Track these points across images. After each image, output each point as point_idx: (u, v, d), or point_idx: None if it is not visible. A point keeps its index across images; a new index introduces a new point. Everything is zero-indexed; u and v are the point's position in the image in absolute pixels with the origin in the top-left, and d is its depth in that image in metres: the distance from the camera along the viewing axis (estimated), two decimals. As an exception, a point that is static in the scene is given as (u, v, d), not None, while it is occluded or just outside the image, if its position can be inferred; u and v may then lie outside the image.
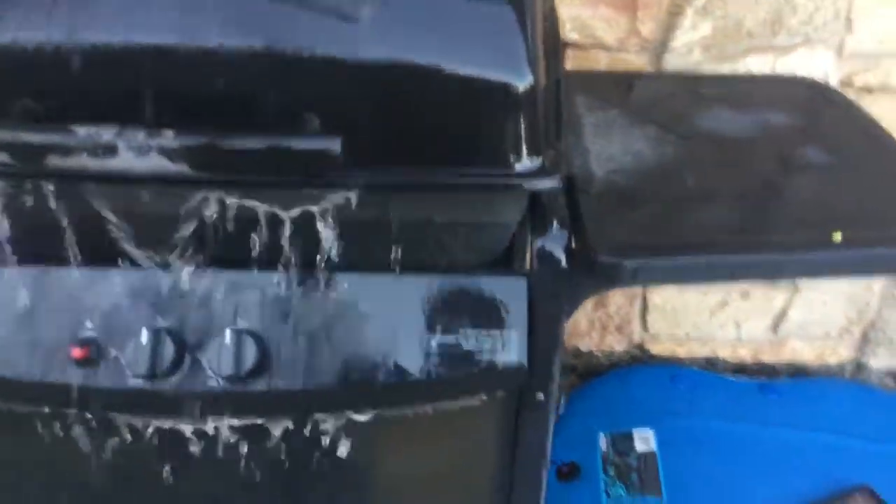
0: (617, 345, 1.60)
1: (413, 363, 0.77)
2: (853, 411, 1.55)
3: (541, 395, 0.82)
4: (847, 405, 1.56)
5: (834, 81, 1.30)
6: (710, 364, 1.64)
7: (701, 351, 1.62)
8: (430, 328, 0.77)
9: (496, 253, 0.80)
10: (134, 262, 0.76)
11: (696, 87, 1.00)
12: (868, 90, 1.31)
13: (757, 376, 1.62)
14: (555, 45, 0.83)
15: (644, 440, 1.48)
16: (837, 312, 1.56)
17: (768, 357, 1.62)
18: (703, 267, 0.76)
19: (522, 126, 0.69)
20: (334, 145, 0.66)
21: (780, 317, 1.56)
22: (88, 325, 0.75)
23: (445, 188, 0.72)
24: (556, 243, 0.78)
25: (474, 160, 0.72)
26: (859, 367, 1.64)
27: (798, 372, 1.63)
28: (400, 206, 0.73)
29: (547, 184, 0.72)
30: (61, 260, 0.75)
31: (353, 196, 0.71)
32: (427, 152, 0.71)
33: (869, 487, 1.40)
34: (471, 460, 0.89)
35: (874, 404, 1.58)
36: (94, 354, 0.74)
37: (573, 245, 0.77)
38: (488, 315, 0.78)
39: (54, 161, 0.67)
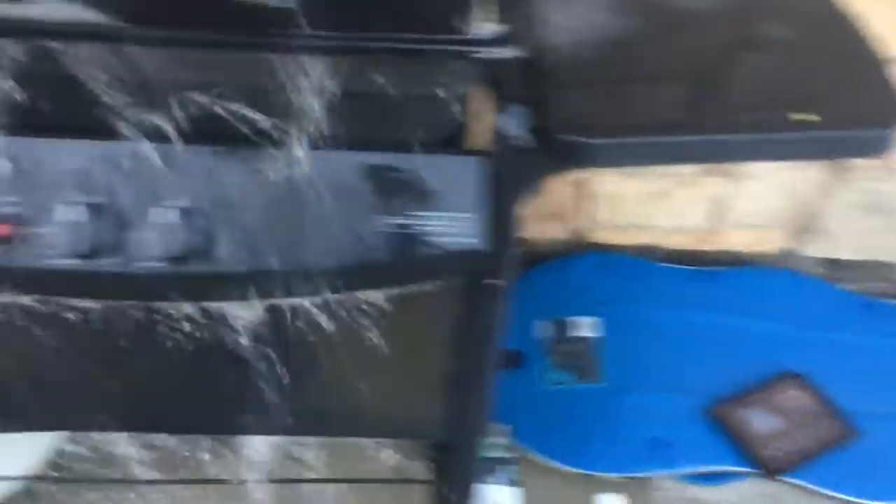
0: (557, 233, 1.58)
1: (362, 246, 0.73)
2: (787, 299, 1.60)
3: (497, 281, 0.80)
4: (781, 293, 1.61)
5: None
6: (648, 252, 1.65)
7: (639, 239, 1.62)
8: (381, 209, 0.74)
9: (453, 130, 0.76)
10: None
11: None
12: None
13: (693, 264, 1.64)
14: None
15: (584, 328, 1.50)
16: (774, 202, 1.57)
17: (705, 245, 1.64)
18: (669, 147, 0.73)
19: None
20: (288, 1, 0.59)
21: (718, 205, 1.57)
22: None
23: (401, 54, 0.66)
24: (516, 121, 0.73)
25: (431, 24, 0.67)
26: (792, 255, 1.67)
27: (733, 260, 1.66)
28: (356, 74, 0.68)
29: (509, 53, 0.68)
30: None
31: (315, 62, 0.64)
32: (378, 14, 0.66)
33: (799, 374, 1.44)
34: (423, 347, 0.87)
35: (807, 292, 1.62)
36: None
37: (534, 123, 0.73)
38: (443, 197, 0.75)
39: None
